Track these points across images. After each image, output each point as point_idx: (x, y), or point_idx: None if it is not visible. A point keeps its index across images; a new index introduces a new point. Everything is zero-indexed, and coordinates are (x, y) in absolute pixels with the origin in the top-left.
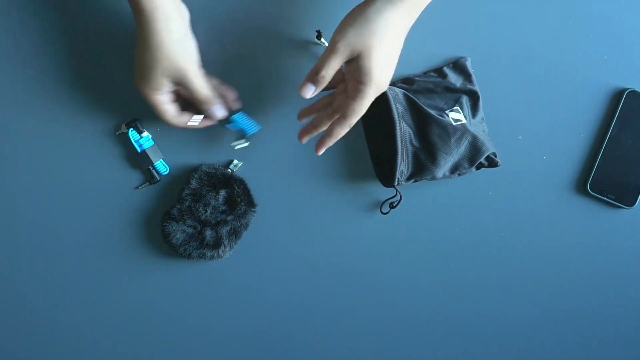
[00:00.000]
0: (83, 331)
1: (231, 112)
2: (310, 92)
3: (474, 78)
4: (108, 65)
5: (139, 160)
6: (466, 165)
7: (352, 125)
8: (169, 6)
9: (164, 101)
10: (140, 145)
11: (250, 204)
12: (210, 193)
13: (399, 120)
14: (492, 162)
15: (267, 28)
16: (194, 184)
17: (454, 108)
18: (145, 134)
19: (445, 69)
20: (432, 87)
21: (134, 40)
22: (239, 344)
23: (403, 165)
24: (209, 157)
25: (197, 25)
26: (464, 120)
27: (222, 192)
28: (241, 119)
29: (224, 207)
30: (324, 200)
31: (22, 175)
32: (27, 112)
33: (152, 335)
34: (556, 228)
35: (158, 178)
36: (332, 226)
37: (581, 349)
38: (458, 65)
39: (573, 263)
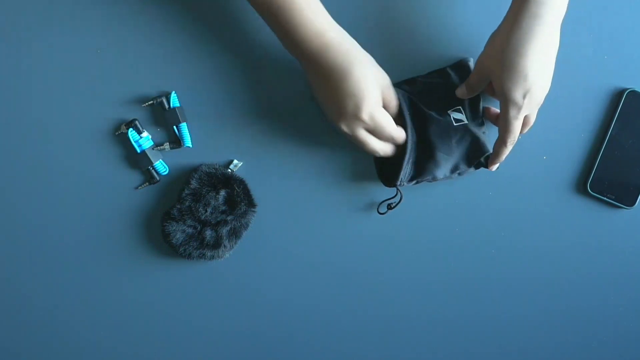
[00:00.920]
0: (83, 331)
1: (177, 120)
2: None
3: None
4: (108, 65)
5: (139, 161)
6: (466, 165)
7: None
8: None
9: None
10: (139, 146)
11: (250, 204)
12: (210, 193)
13: (411, 123)
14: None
15: None
16: (194, 184)
17: (456, 108)
18: (145, 134)
19: (448, 70)
20: (435, 87)
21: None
22: (239, 344)
23: (408, 167)
24: (209, 157)
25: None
26: (465, 121)
27: (222, 192)
28: (184, 129)
29: (224, 207)
30: (324, 201)
31: (21, 175)
32: (26, 112)
33: (152, 335)
34: (556, 228)
35: (158, 178)
36: (332, 226)
37: (581, 349)
38: (460, 66)
39: (573, 263)
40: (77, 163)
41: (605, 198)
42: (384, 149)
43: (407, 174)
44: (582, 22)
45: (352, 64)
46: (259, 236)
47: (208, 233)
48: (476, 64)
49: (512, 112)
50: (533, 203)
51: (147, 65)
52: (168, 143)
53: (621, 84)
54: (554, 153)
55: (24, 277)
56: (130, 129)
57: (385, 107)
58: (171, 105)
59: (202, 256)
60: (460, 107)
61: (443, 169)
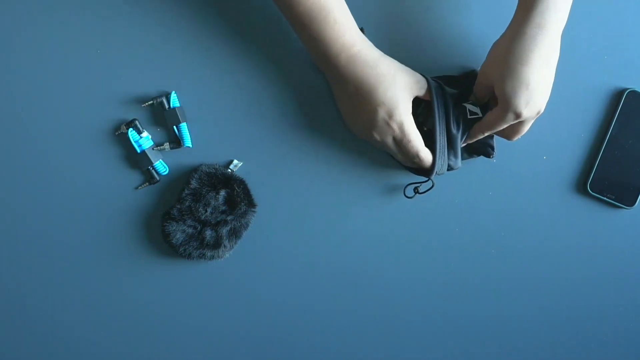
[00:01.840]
0: (83, 331)
1: (177, 120)
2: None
3: None
4: (108, 65)
5: (139, 161)
6: (467, 154)
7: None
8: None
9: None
10: (139, 146)
11: (250, 204)
12: (210, 193)
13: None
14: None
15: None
16: (193, 184)
17: (473, 101)
18: (145, 134)
19: (459, 77)
20: (454, 82)
21: (133, 40)
22: (238, 344)
23: (441, 159)
24: (209, 157)
25: None
26: (479, 114)
27: (222, 192)
28: (184, 129)
29: (224, 207)
30: (324, 200)
31: (21, 175)
32: (25, 112)
33: (152, 335)
34: (556, 228)
35: (158, 178)
36: (332, 226)
37: (581, 349)
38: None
39: (573, 263)
40: (77, 163)
41: (605, 198)
42: (405, 163)
43: (441, 165)
44: (582, 22)
45: (381, 74)
46: (259, 236)
47: (208, 233)
48: (479, 74)
49: (510, 117)
50: (533, 203)
51: (147, 65)
52: (168, 143)
53: (621, 84)
54: (554, 153)
55: (23, 277)
56: (130, 129)
57: (420, 93)
58: (171, 105)
59: (202, 256)
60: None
61: (459, 160)
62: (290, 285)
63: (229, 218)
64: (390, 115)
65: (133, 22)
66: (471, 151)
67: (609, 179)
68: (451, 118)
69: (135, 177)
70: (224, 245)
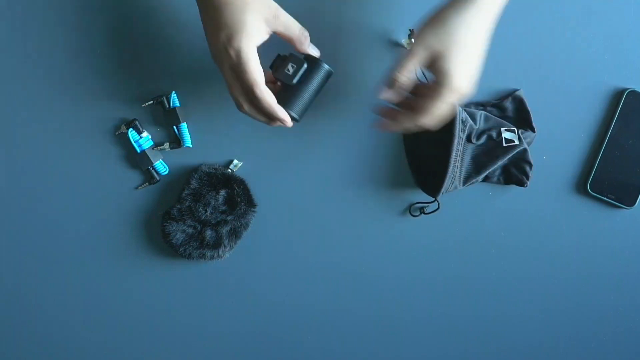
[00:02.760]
0: (83, 331)
1: (177, 120)
2: (386, 94)
3: (531, 115)
4: (108, 65)
5: (139, 161)
6: (503, 178)
7: (419, 123)
8: None
9: (262, 71)
10: (139, 146)
11: (250, 204)
12: (210, 193)
13: (459, 139)
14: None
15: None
16: (194, 184)
17: (511, 128)
18: (145, 134)
19: (504, 102)
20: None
21: (133, 40)
22: (239, 344)
23: (450, 181)
24: (209, 157)
25: None
26: (516, 142)
27: (222, 192)
28: (184, 129)
29: (224, 207)
30: (323, 201)
31: (22, 175)
32: (26, 112)
33: (152, 335)
34: (556, 228)
35: (157, 178)
36: (331, 226)
37: (581, 349)
38: (514, 97)
39: (573, 263)
40: (77, 163)
41: (605, 198)
42: (243, 103)
43: (447, 187)
44: (582, 22)
45: None
46: (259, 236)
47: (208, 233)
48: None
49: (420, 52)
50: (533, 203)
51: (147, 65)
52: (168, 143)
53: (621, 84)
54: (554, 153)
55: (24, 276)
56: (130, 129)
57: (284, 30)
58: (171, 105)
59: (202, 256)
60: (514, 127)
61: (479, 179)
62: (290, 285)
63: (229, 218)
64: (230, 39)
65: (133, 22)
66: (506, 180)
67: (609, 179)
68: (481, 146)
69: (135, 177)
70: (224, 245)
